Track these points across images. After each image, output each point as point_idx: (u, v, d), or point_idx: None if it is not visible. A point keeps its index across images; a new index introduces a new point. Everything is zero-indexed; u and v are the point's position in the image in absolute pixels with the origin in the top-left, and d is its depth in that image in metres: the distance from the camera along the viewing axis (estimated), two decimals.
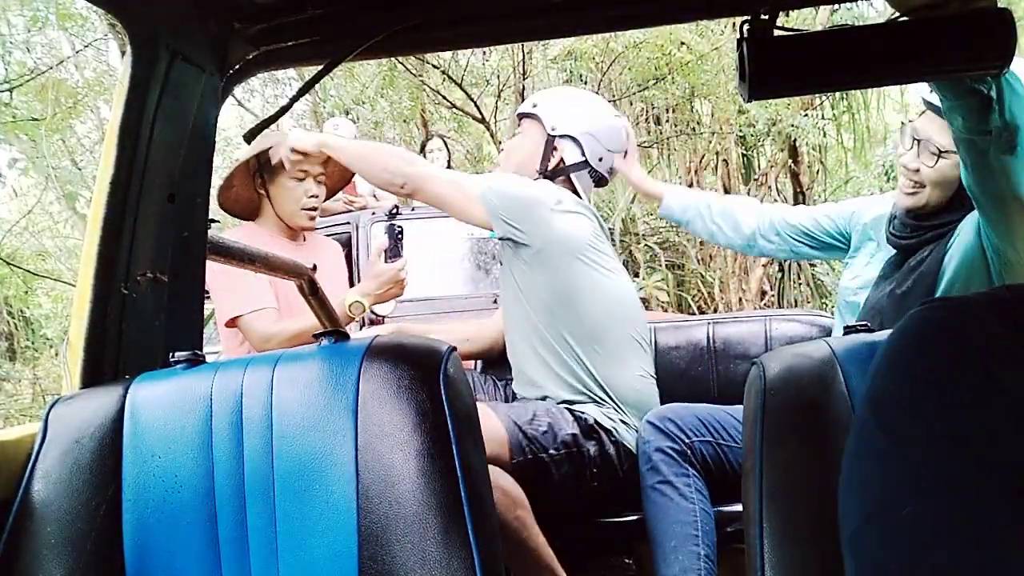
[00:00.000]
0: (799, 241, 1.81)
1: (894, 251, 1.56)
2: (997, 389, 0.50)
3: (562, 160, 1.73)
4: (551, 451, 1.48)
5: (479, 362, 2.02)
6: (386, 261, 1.75)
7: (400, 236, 1.75)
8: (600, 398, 1.57)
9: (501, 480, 1.38)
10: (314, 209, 1.92)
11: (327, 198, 2.12)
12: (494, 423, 1.46)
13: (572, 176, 1.73)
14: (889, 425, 0.54)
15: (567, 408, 1.55)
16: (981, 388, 0.50)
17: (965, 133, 1.15)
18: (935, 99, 1.37)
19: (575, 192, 1.73)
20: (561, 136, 1.72)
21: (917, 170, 1.44)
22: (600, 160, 1.74)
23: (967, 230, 1.38)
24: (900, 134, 1.53)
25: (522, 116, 1.81)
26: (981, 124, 1.11)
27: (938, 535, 0.47)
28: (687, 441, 1.47)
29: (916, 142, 1.46)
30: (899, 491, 0.50)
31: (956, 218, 1.43)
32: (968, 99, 1.09)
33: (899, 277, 1.49)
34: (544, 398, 1.60)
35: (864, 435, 0.55)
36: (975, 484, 0.48)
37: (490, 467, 1.33)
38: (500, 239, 1.61)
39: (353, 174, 2.10)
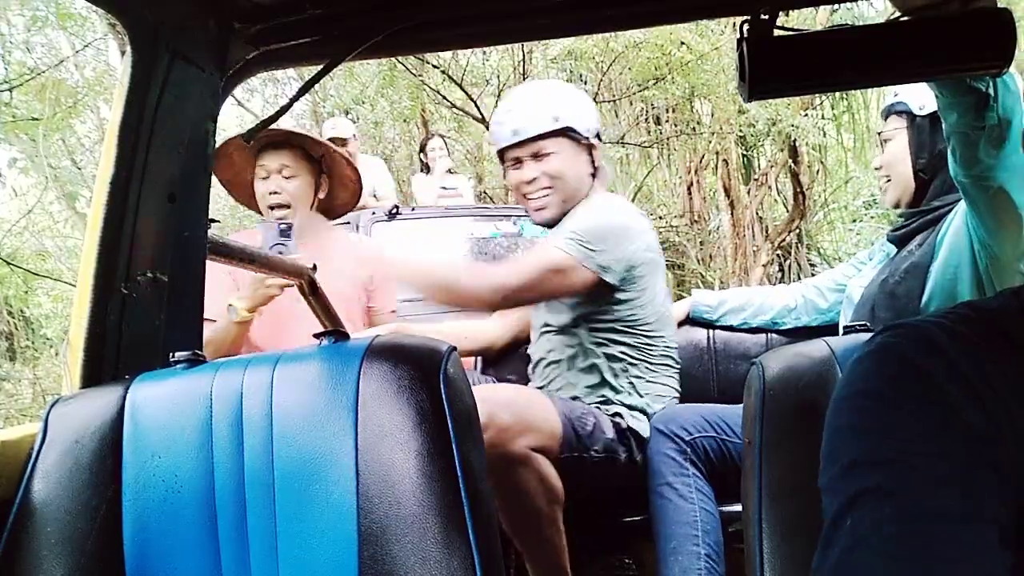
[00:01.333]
0: (833, 300, 1.86)
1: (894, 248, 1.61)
2: (961, 425, 0.48)
3: (598, 161, 1.68)
4: (592, 451, 1.46)
5: (478, 361, 2.02)
6: None
7: (285, 233, 1.65)
8: (635, 410, 1.58)
9: (547, 472, 1.37)
10: (282, 206, 1.85)
11: (345, 205, 2.04)
12: (552, 415, 1.43)
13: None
14: (847, 458, 0.52)
15: (604, 412, 1.56)
16: (943, 424, 0.49)
17: (959, 127, 1.19)
18: (894, 101, 1.57)
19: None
20: (595, 137, 1.65)
21: (879, 167, 1.60)
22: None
23: (957, 223, 1.42)
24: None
25: (542, 137, 1.59)
26: (976, 120, 1.15)
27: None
28: (688, 439, 1.47)
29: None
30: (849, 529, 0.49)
31: (940, 205, 1.49)
32: (967, 97, 1.13)
33: (892, 267, 1.53)
34: (575, 399, 1.60)
35: (824, 467, 0.54)
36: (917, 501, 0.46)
37: (539, 457, 1.34)
38: (616, 289, 1.55)
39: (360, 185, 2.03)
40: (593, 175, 1.67)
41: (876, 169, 1.62)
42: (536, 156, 1.61)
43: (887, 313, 1.47)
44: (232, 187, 1.94)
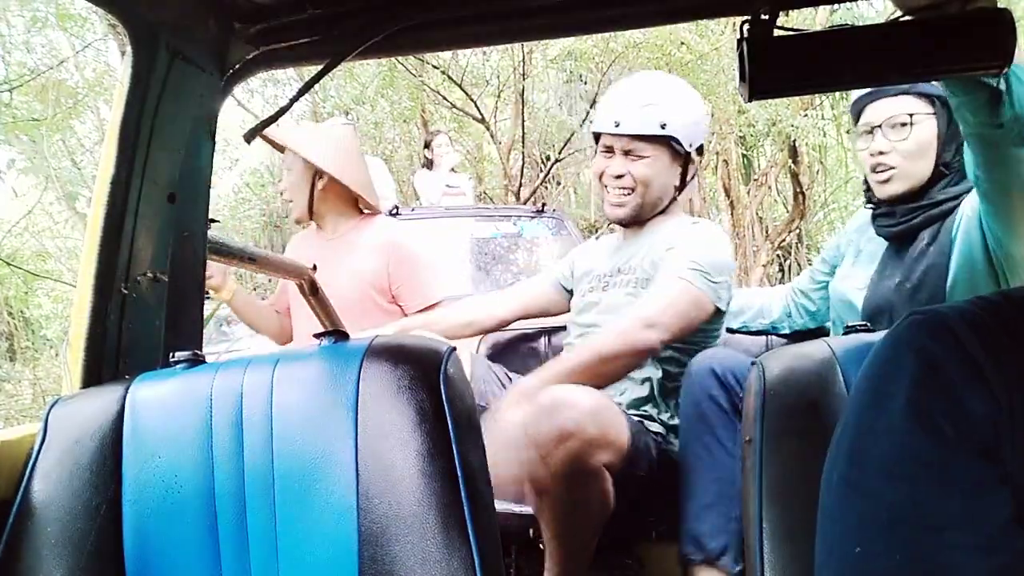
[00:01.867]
0: (819, 296, 1.81)
1: (886, 244, 1.54)
2: (958, 417, 0.49)
3: (690, 174, 1.63)
4: (639, 469, 1.38)
5: (480, 346, 1.95)
6: None
7: None
8: (672, 433, 1.52)
9: (609, 489, 1.28)
10: (289, 201, 1.97)
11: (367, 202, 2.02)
12: (624, 430, 1.32)
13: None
14: (851, 452, 0.53)
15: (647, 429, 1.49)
16: (938, 421, 0.49)
17: (976, 128, 1.14)
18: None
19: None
20: (696, 151, 1.59)
21: (887, 152, 1.43)
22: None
23: (969, 219, 1.36)
24: (854, 142, 1.54)
25: (642, 138, 1.54)
26: (992, 118, 1.10)
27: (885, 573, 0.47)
28: (744, 397, 1.38)
29: (873, 130, 1.46)
30: (852, 527, 0.50)
31: (942, 198, 1.42)
32: (978, 94, 1.08)
33: (904, 270, 1.45)
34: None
35: (831, 460, 0.55)
36: (924, 519, 0.47)
37: (606, 474, 1.26)
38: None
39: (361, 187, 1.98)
40: (679, 188, 1.63)
41: (879, 154, 1.44)
42: (629, 153, 1.56)
43: None
44: None
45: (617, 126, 1.54)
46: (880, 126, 1.45)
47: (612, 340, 1.38)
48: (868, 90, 1.48)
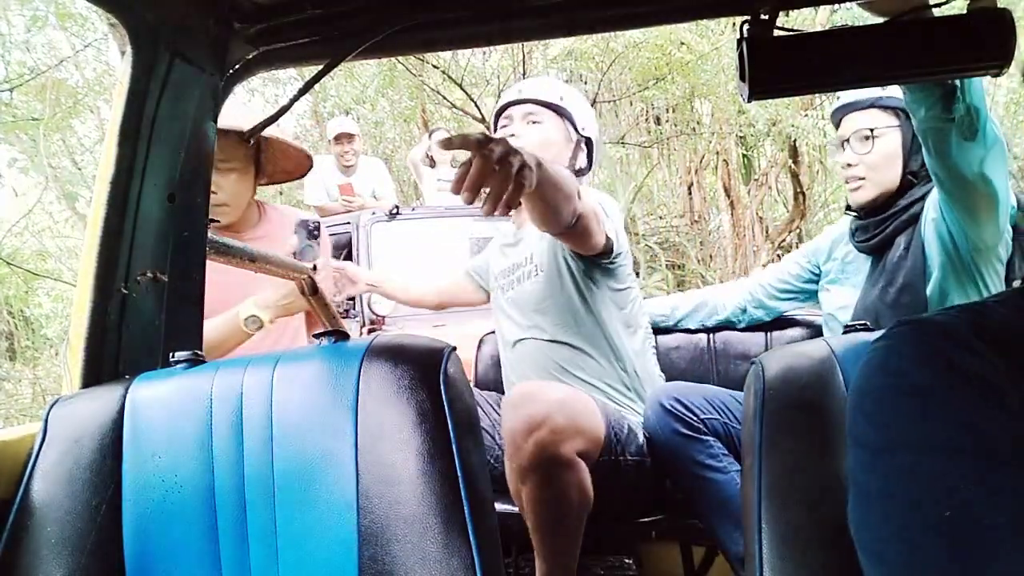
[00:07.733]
0: (782, 299, 1.84)
1: (868, 258, 1.57)
2: (998, 401, 0.49)
3: (577, 167, 1.66)
4: (627, 455, 1.41)
5: (479, 366, 2.00)
6: None
7: (315, 234, 1.50)
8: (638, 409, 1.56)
9: (586, 478, 1.32)
10: (221, 205, 1.54)
11: (290, 174, 1.72)
12: (598, 419, 1.37)
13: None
14: (900, 430, 0.52)
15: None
16: (983, 401, 0.49)
17: (928, 122, 1.19)
18: (843, 99, 1.53)
19: None
20: (586, 139, 1.64)
21: (855, 164, 1.51)
22: (591, 170, 1.71)
23: (932, 219, 1.39)
24: (830, 153, 1.61)
25: (541, 103, 1.61)
26: (945, 112, 1.15)
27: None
28: (697, 417, 1.41)
29: (844, 143, 1.53)
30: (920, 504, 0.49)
31: (907, 203, 1.46)
32: (933, 89, 1.13)
33: (887, 275, 1.48)
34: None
35: (861, 442, 0.55)
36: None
37: (581, 463, 1.29)
38: (611, 259, 1.52)
39: (309, 167, 1.73)
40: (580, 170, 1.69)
41: (849, 166, 1.52)
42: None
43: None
44: None
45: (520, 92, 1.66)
46: (848, 139, 1.52)
47: (567, 176, 1.29)
48: (841, 103, 1.55)
